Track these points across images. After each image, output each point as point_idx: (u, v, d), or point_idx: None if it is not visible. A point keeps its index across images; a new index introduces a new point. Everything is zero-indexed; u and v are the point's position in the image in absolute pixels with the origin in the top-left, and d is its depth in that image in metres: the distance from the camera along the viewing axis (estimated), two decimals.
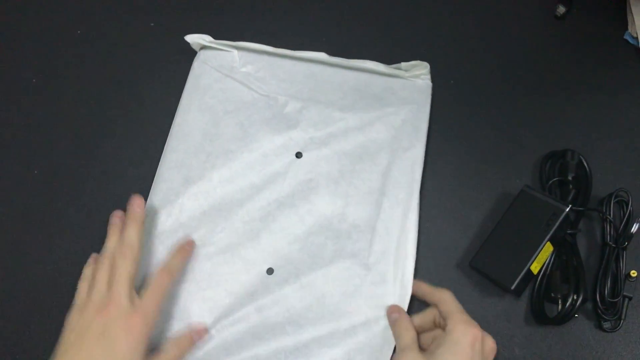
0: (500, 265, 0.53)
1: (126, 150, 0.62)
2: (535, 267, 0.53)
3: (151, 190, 0.58)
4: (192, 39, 0.62)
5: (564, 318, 0.51)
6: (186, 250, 0.54)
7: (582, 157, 0.57)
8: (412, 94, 0.60)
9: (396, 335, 0.50)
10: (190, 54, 0.64)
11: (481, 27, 0.66)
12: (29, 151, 0.61)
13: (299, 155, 0.58)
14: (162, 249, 0.55)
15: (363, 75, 0.61)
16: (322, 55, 0.61)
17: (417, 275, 0.55)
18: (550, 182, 0.57)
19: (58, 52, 0.66)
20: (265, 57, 0.62)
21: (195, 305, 0.53)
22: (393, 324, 0.51)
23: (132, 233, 0.51)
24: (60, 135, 0.62)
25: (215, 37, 0.63)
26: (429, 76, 0.61)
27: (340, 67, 0.62)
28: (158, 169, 0.59)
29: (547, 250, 0.53)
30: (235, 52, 0.62)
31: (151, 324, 0.48)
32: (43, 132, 0.62)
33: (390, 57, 0.62)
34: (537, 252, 0.52)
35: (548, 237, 0.52)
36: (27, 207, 0.60)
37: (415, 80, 0.61)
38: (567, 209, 0.53)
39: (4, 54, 0.66)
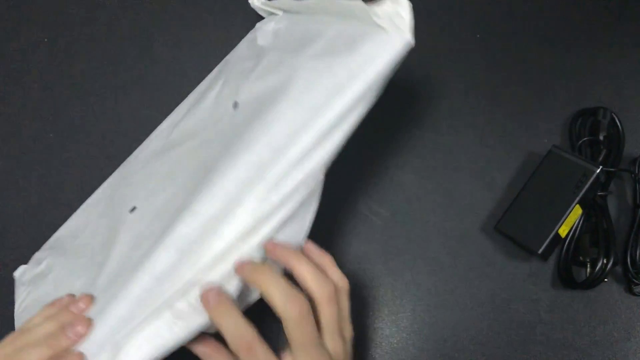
0: (527, 229, 0.52)
1: (141, 109, 0.60)
2: (563, 231, 0.51)
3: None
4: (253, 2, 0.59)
5: (593, 282, 0.50)
6: (59, 341, 0.42)
7: (614, 115, 0.55)
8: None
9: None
10: (206, 14, 0.62)
11: None
12: (43, 112, 0.61)
13: (235, 105, 0.50)
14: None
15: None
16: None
17: (439, 238, 0.54)
18: (581, 141, 0.55)
19: (69, 10, 0.64)
20: (299, 16, 0.53)
21: None
22: None
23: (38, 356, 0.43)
24: (73, 95, 0.61)
25: None
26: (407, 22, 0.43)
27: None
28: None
29: (575, 212, 0.51)
30: (280, 14, 0.56)
31: None
32: (56, 92, 0.61)
33: None
34: (565, 215, 0.51)
35: (577, 199, 0.51)
36: (43, 170, 0.59)
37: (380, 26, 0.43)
38: (598, 170, 0.51)
39: (16, 13, 0.65)
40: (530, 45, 0.59)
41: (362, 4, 0.44)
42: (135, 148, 0.58)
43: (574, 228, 0.52)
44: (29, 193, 0.58)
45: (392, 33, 0.42)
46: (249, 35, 0.60)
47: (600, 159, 0.54)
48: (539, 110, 0.57)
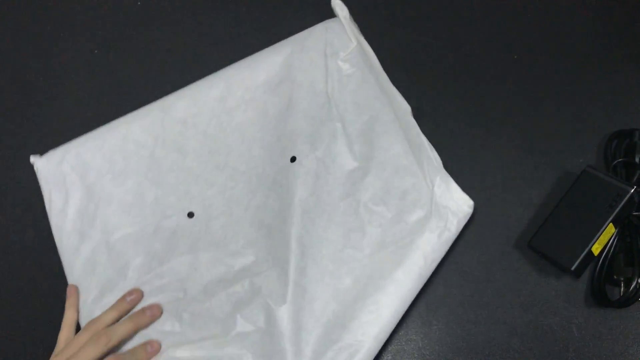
0: (560, 246, 0.52)
1: None
2: (596, 249, 0.52)
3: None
4: (335, 1, 0.58)
5: (626, 301, 0.50)
6: (140, 319, 0.53)
7: None
8: None
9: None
10: (254, 32, 0.64)
11: (545, 0, 0.64)
12: (92, 123, 0.63)
13: (293, 159, 0.57)
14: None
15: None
16: (406, 107, 0.56)
17: (473, 253, 0.55)
18: (616, 162, 0.55)
19: (118, 23, 0.67)
20: (368, 70, 0.58)
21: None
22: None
23: (125, 330, 0.52)
24: (121, 106, 0.63)
25: None
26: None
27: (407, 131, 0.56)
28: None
29: (609, 231, 0.52)
30: (354, 44, 0.59)
31: None
32: (105, 103, 0.63)
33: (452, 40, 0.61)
34: (598, 233, 0.51)
35: (611, 218, 0.51)
36: None
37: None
38: (632, 190, 0.51)
39: (66, 26, 0.68)
40: (568, 65, 0.60)
41: (441, 168, 0.54)
42: None
43: (607, 246, 0.53)
44: None
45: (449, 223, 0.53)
46: (317, 37, 0.59)
47: (635, 179, 0.54)
48: (575, 130, 0.58)
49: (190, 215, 0.57)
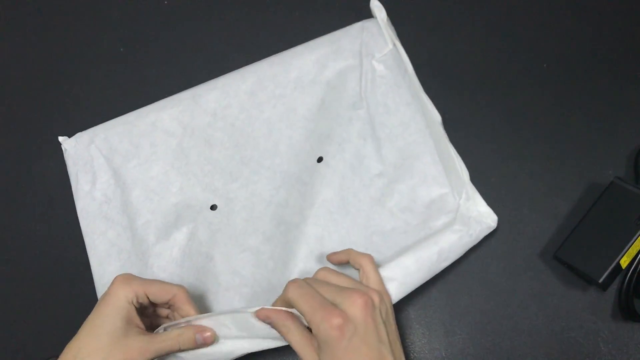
0: (587, 258, 0.52)
1: None
2: (624, 261, 0.51)
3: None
4: (374, 3, 0.57)
5: None
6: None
7: None
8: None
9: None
10: (286, 32, 0.65)
11: (576, 9, 0.63)
12: (116, 116, 0.63)
13: (319, 159, 0.58)
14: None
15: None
16: (437, 117, 0.55)
17: (498, 263, 0.55)
18: None
19: (145, 22, 0.67)
20: (401, 75, 0.58)
21: None
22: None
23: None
24: (145, 100, 0.62)
25: None
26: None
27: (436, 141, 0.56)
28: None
29: (638, 244, 0.51)
30: (389, 47, 0.58)
31: None
32: (130, 102, 0.63)
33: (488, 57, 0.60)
34: (628, 246, 0.51)
35: None
36: None
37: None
38: None
39: (94, 24, 0.68)
40: (599, 76, 0.60)
41: (468, 181, 0.53)
42: None
43: (636, 260, 0.52)
44: None
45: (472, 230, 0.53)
46: (353, 37, 0.58)
47: None
48: (604, 142, 0.58)
49: (213, 207, 0.57)
